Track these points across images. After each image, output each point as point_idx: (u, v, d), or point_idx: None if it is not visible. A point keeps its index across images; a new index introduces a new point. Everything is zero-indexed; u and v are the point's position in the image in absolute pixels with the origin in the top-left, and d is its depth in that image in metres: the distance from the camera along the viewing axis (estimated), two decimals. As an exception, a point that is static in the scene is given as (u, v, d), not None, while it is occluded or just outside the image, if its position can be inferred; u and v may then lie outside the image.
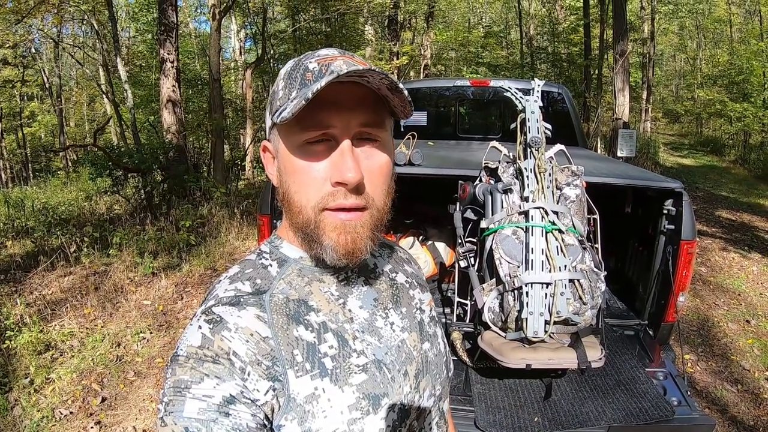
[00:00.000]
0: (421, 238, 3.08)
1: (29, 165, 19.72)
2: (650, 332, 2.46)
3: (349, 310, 0.79)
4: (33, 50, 18.29)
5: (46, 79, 19.40)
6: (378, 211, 0.74)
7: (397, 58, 13.77)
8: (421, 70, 15.48)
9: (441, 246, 2.99)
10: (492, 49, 19.52)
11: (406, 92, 0.69)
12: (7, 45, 13.40)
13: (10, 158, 19.64)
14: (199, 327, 0.69)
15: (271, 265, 0.80)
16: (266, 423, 0.67)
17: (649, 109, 20.97)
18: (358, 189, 0.70)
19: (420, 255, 2.91)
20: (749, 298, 5.12)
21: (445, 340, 0.94)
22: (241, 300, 0.73)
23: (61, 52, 18.38)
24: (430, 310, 0.93)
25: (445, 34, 17.30)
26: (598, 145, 12.04)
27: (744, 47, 19.55)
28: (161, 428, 0.63)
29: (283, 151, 0.74)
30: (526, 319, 1.80)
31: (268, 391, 0.67)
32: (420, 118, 4.11)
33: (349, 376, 0.73)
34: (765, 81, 17.10)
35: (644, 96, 20.30)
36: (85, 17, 14.04)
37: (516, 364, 1.78)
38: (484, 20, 25.53)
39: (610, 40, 12.66)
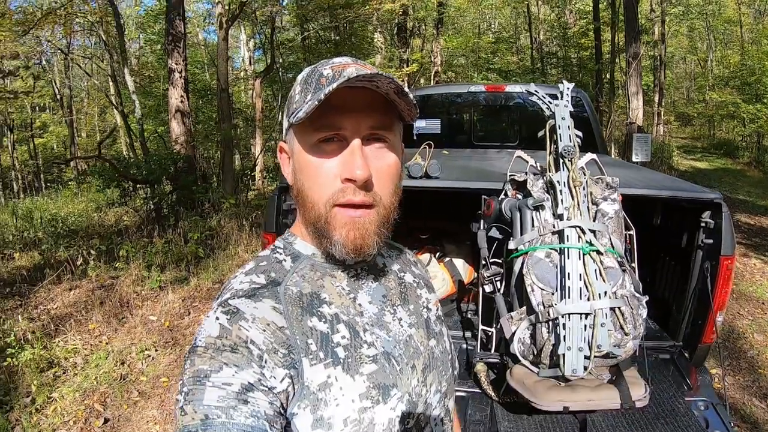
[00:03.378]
0: (438, 254, 2.91)
1: (41, 175, 19.84)
2: (686, 354, 2.30)
3: (359, 304, 0.82)
4: (44, 62, 18.40)
5: (56, 91, 19.50)
6: (385, 209, 0.78)
7: (407, 66, 13.68)
8: (432, 77, 15.36)
9: (459, 263, 2.82)
10: (502, 55, 19.40)
11: (411, 96, 0.74)
12: (17, 57, 13.47)
13: (21, 169, 19.75)
14: (217, 318, 0.71)
15: (285, 260, 0.83)
16: (282, 411, 0.69)
17: (662, 113, 20.73)
18: (366, 186, 0.74)
19: (437, 273, 2.72)
20: (774, 306, 4.94)
21: (450, 339, 0.96)
22: (257, 292, 0.75)
23: (71, 64, 18.46)
24: (437, 310, 0.96)
25: (454, 41, 17.21)
26: (612, 149, 11.86)
27: (755, 47, 19.32)
28: (181, 417, 0.64)
29: (298, 149, 0.78)
30: (563, 354, 1.63)
31: (284, 379, 0.69)
32: (434, 125, 3.96)
33: (360, 365, 0.76)
34: (777, 81, 16.85)
35: (656, 99, 20.07)
36: (93, 28, 14.05)
37: (552, 407, 1.61)
38: (493, 26, 25.43)
39: (621, 43, 12.52)
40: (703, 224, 2.14)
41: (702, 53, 28.38)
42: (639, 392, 1.63)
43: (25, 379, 3.53)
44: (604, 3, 15.24)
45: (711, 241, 2.11)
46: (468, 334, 2.45)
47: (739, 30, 23.21)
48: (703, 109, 24.67)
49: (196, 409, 0.63)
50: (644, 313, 1.71)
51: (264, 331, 0.71)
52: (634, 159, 3.64)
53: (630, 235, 1.99)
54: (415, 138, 3.74)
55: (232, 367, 0.66)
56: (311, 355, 0.73)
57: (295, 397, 0.70)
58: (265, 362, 0.68)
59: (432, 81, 15.14)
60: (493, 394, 1.94)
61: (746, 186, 12.77)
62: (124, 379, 3.66)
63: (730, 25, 24.66)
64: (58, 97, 19.64)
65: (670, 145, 18.25)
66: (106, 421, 3.22)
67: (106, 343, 4.14)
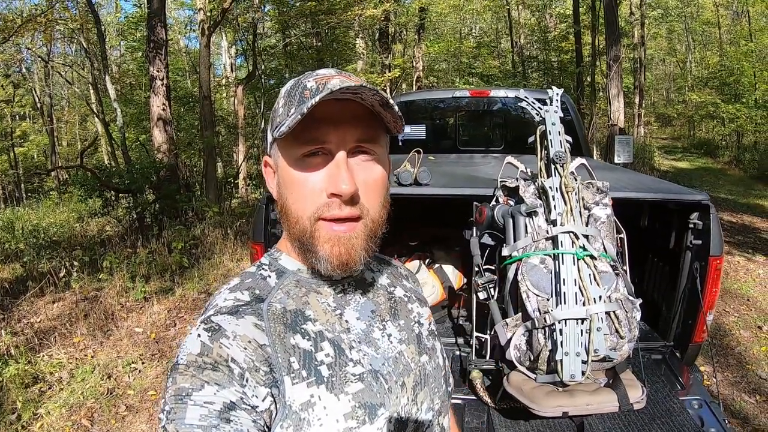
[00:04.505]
0: (427, 261, 2.89)
1: (22, 185, 19.53)
2: (677, 354, 2.31)
3: (346, 321, 0.80)
4: (24, 69, 18.15)
5: (37, 99, 19.25)
6: (373, 222, 0.76)
7: (389, 71, 13.68)
8: (414, 83, 15.39)
9: (449, 269, 2.80)
10: (484, 59, 19.51)
11: (396, 108, 0.73)
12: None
13: (2, 179, 19.44)
14: (198, 335, 0.70)
15: (270, 276, 0.82)
16: (266, 430, 0.67)
17: (642, 114, 20.99)
18: (352, 200, 0.73)
19: (427, 280, 2.70)
20: (758, 302, 5.00)
21: (444, 354, 0.93)
22: (240, 309, 0.74)
23: (51, 72, 18.23)
24: (429, 324, 0.93)
25: (436, 46, 17.25)
26: (594, 151, 11.97)
27: (733, 48, 19.65)
28: None
29: (282, 164, 0.77)
30: (561, 360, 1.62)
31: (266, 398, 0.68)
32: (419, 131, 3.95)
33: (345, 384, 0.73)
34: (756, 81, 17.14)
35: (637, 101, 20.32)
36: (74, 36, 13.89)
37: (551, 413, 1.59)
38: (474, 31, 25.56)
39: (602, 46, 12.65)
40: (691, 225, 2.15)
41: (681, 55, 28.80)
42: (636, 394, 1.62)
43: (10, 395, 3.45)
44: (584, 6, 15.40)
45: (699, 242, 2.13)
46: (460, 340, 2.44)
47: (717, 32, 23.57)
48: (682, 109, 25.03)
49: (178, 428, 0.62)
50: (638, 315, 1.72)
51: (245, 349, 0.69)
52: (616, 160, 3.65)
53: (621, 238, 1.99)
54: (400, 144, 3.73)
55: (213, 386, 0.65)
56: (293, 374, 0.71)
57: (277, 417, 0.69)
58: (247, 381, 0.67)
59: (414, 86, 15.17)
60: (489, 400, 1.92)
61: (727, 185, 12.96)
62: (111, 394, 3.59)
63: (708, 27, 25.04)
64: (39, 105, 19.40)
65: (652, 146, 18.50)
66: (93, 436, 3.17)
67: (92, 357, 4.07)
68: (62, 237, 7.96)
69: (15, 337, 4.23)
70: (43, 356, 4.02)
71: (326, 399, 0.71)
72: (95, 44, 13.96)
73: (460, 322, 2.64)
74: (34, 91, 19.16)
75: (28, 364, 3.80)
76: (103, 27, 12.73)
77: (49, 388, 3.64)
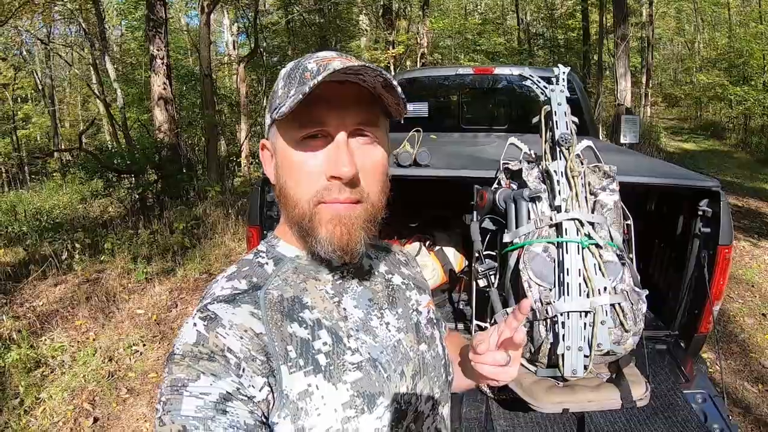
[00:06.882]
0: (428, 243, 2.83)
1: (25, 168, 19.54)
2: (681, 344, 2.26)
3: (344, 309, 0.79)
4: (24, 52, 18.04)
5: (38, 81, 19.16)
6: (373, 206, 0.76)
7: (393, 48, 13.51)
8: (418, 59, 15.20)
9: (450, 251, 2.75)
10: (489, 36, 19.25)
11: (399, 90, 0.72)
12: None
13: (6, 162, 19.43)
14: (194, 324, 0.70)
15: (267, 263, 0.81)
16: (264, 420, 0.67)
17: (649, 94, 20.75)
18: (352, 183, 0.72)
19: (428, 263, 2.66)
20: (763, 289, 4.94)
21: (444, 343, 0.93)
22: (237, 297, 0.73)
23: (52, 53, 18.10)
24: (428, 312, 0.92)
25: (441, 22, 16.99)
26: (600, 131, 11.84)
27: (743, 30, 19.32)
28: (159, 428, 0.63)
29: (281, 146, 0.76)
30: (563, 354, 1.56)
31: (263, 387, 0.67)
32: (421, 109, 3.88)
33: (343, 373, 0.73)
34: (765, 64, 16.88)
35: (644, 80, 20.07)
36: (73, 16, 13.74)
37: (551, 409, 1.54)
38: (479, 7, 25.21)
39: (609, 24, 12.46)
40: (700, 212, 2.08)
41: (689, 35, 28.39)
42: (639, 391, 1.57)
43: (13, 380, 3.44)
44: (592, -16, 15.15)
45: (708, 230, 2.05)
46: (461, 326, 2.40)
47: (726, 12, 23.15)
48: (690, 90, 24.69)
49: (174, 420, 0.62)
50: (644, 307, 1.65)
51: (241, 338, 0.69)
52: (622, 140, 3.59)
53: (628, 225, 1.92)
54: (401, 122, 3.66)
55: (209, 376, 0.64)
56: (290, 363, 0.70)
57: (275, 406, 0.68)
58: (243, 371, 0.66)
59: (418, 63, 14.98)
60: (487, 390, 1.88)
61: (733, 167, 12.82)
62: (112, 376, 3.58)
63: (717, 8, 24.59)
64: (40, 87, 19.32)
65: (658, 127, 18.30)
66: (95, 420, 3.15)
67: (93, 340, 4.05)
68: (65, 219, 7.95)
69: (17, 321, 4.21)
70: (45, 340, 4.02)
71: (324, 388, 0.71)
72: (95, 25, 13.81)
73: (461, 307, 2.60)
74: (35, 73, 19.09)
75: (30, 348, 3.79)
76: (102, 7, 12.58)
77: (51, 372, 3.63)
